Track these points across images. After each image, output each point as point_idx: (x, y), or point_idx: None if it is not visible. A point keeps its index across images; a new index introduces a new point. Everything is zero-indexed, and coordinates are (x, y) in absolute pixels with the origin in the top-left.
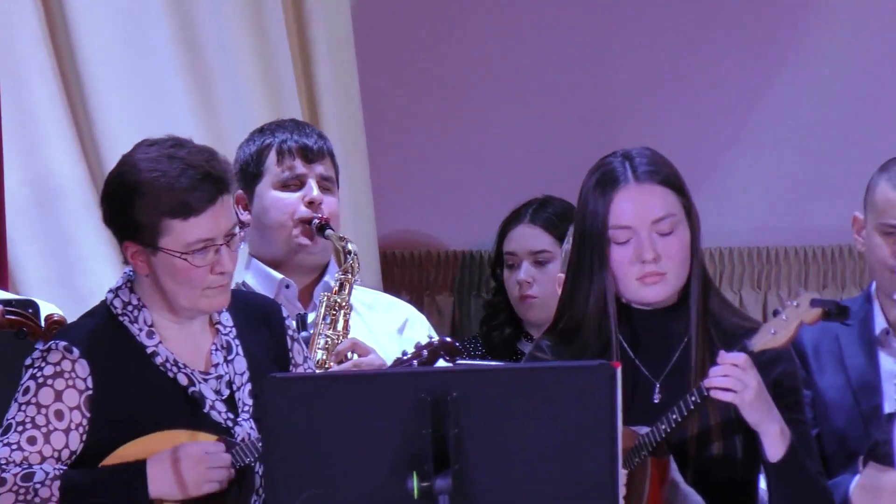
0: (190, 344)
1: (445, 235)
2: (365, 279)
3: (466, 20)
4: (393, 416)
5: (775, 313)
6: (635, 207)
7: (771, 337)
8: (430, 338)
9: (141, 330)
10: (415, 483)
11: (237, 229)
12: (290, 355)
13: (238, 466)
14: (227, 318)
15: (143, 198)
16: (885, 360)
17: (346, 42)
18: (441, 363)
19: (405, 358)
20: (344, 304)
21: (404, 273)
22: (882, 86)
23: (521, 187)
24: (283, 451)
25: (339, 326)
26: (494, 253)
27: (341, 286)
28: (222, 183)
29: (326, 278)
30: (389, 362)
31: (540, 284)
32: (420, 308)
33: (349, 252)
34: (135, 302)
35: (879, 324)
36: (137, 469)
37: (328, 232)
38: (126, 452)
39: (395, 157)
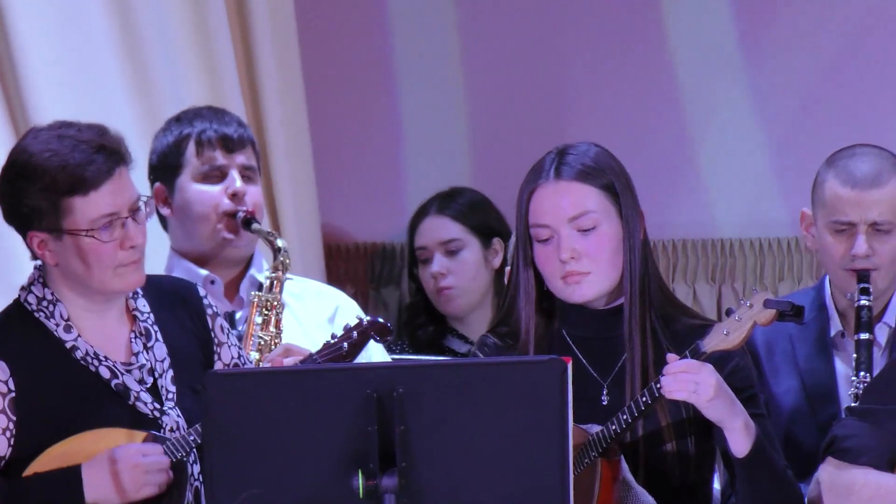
0: (109, 334)
1: (390, 228)
2: (309, 272)
3: (410, 13)
4: (338, 412)
5: (728, 313)
6: (550, 205)
7: (724, 338)
8: (359, 318)
9: (58, 325)
10: (360, 482)
11: (141, 203)
12: (213, 335)
13: (171, 462)
14: (143, 304)
15: (39, 181)
16: (839, 362)
17: (289, 33)
18: (372, 344)
19: (334, 341)
20: (276, 302)
21: (349, 266)
22: (837, 78)
23: (464, 180)
24: (224, 449)
25: (272, 326)
26: (409, 249)
27: (272, 284)
28: (117, 154)
29: (252, 272)
30: None
31: (454, 274)
32: (365, 302)
33: (279, 249)
34: (49, 296)
35: (834, 325)
36: (73, 474)
37: (255, 226)
38: (56, 452)
39: (339, 148)
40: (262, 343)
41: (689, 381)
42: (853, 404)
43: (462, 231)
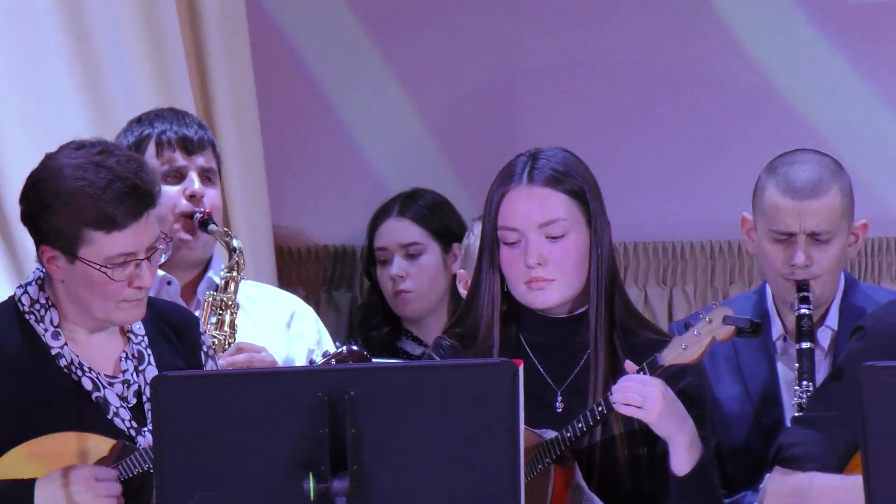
0: (97, 347)
1: (343, 230)
2: (260, 275)
3: (362, 13)
4: (289, 415)
5: (686, 327)
6: (522, 210)
7: (682, 351)
8: (338, 345)
9: (46, 330)
10: (311, 484)
11: (159, 244)
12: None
13: (133, 474)
14: (139, 328)
15: (66, 206)
16: (782, 368)
17: (240, 33)
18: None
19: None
20: (230, 303)
21: (300, 268)
22: (783, 81)
23: (417, 182)
24: (174, 452)
25: (226, 326)
26: (366, 251)
27: (227, 284)
28: (149, 198)
29: (210, 274)
30: (277, 357)
31: (413, 278)
32: (317, 305)
33: (234, 249)
34: (42, 301)
35: (776, 330)
36: (26, 487)
37: (211, 227)
38: (14, 456)
39: (291, 150)
40: (216, 343)
41: (636, 396)
42: (798, 414)
43: (423, 235)
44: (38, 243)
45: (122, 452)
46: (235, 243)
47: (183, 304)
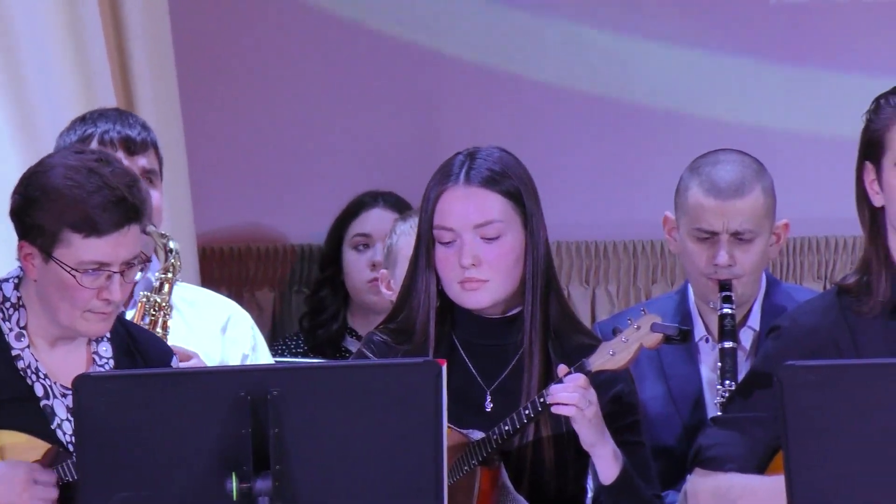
0: (59, 357)
1: (265, 230)
2: (183, 275)
3: (294, 12)
4: (211, 415)
5: (615, 332)
6: (458, 210)
7: (609, 357)
8: None
9: (11, 330)
10: (234, 484)
11: (137, 262)
12: None
13: (64, 482)
14: (105, 350)
15: (51, 203)
16: (704, 368)
17: (163, 33)
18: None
19: None
20: (164, 304)
21: (223, 268)
22: (703, 82)
23: (343, 184)
24: (96, 453)
25: (159, 328)
26: (332, 240)
27: (161, 286)
28: (135, 213)
29: (147, 275)
30: (211, 362)
31: None
32: (240, 304)
33: (171, 250)
34: (14, 300)
35: (698, 331)
36: None
37: (149, 228)
38: None
39: (214, 151)
40: None
41: (582, 398)
42: (717, 414)
43: None
44: (20, 238)
45: (56, 459)
46: (172, 245)
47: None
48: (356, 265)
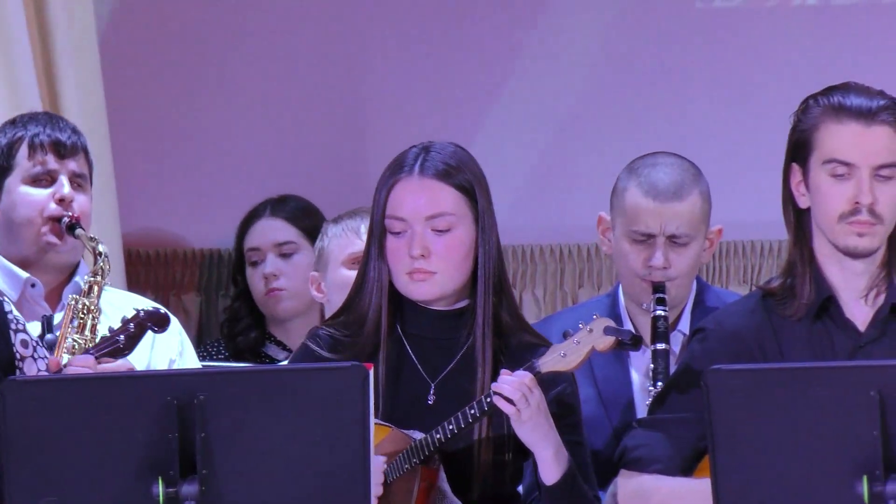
0: None
1: (191, 234)
2: (109, 278)
3: (216, 16)
4: (138, 419)
5: (566, 335)
6: (410, 201)
7: (560, 359)
8: (136, 309)
9: None
10: (160, 489)
11: None
12: (14, 349)
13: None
14: None
15: None
16: (634, 371)
17: (88, 35)
18: (150, 335)
19: (110, 334)
20: (92, 307)
21: (149, 272)
22: (636, 85)
23: (267, 186)
24: (22, 457)
25: (87, 331)
26: (235, 254)
27: (90, 289)
28: None
29: (77, 279)
30: (139, 366)
31: (287, 276)
32: (166, 308)
33: (100, 254)
34: None
35: None
36: None
37: (78, 231)
38: None
39: (140, 154)
40: (76, 347)
41: (522, 396)
42: (642, 416)
43: (296, 234)
44: None
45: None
46: (101, 248)
47: (47, 307)
48: (252, 279)
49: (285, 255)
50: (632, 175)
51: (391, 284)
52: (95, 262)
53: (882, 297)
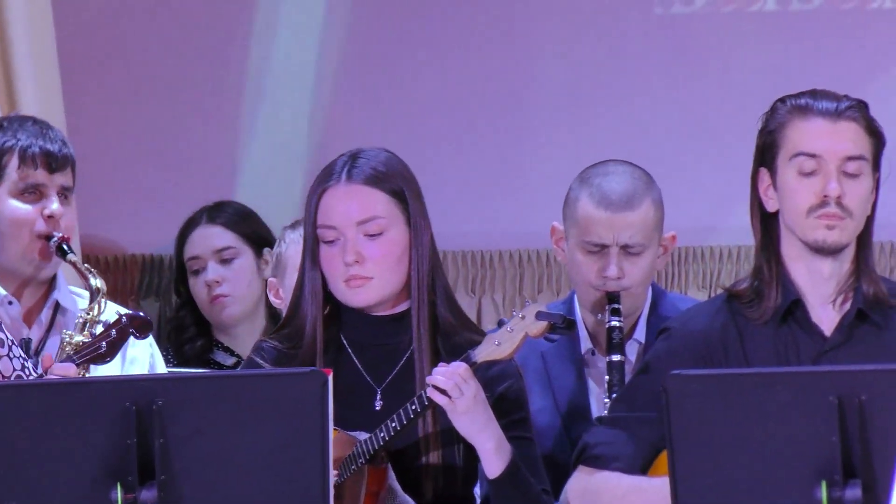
0: None
1: (150, 239)
2: (68, 283)
3: (164, 24)
4: (97, 425)
5: (500, 324)
6: (340, 208)
7: (495, 348)
8: (118, 314)
9: None
10: (119, 494)
11: None
12: None
13: None
14: None
15: None
16: (590, 381)
17: (47, 37)
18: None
19: (91, 340)
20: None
21: (108, 277)
22: (590, 92)
23: (222, 192)
24: None
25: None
26: (176, 264)
27: (84, 325)
28: None
29: (55, 295)
30: (114, 371)
31: (229, 282)
32: None
33: (97, 290)
34: None
35: (584, 343)
36: None
37: (70, 257)
38: None
39: (97, 157)
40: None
41: (455, 385)
42: (603, 413)
43: (235, 239)
44: None
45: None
46: (97, 283)
47: (24, 326)
48: (195, 288)
49: (226, 261)
50: (583, 185)
51: (329, 294)
52: (91, 300)
53: (849, 303)
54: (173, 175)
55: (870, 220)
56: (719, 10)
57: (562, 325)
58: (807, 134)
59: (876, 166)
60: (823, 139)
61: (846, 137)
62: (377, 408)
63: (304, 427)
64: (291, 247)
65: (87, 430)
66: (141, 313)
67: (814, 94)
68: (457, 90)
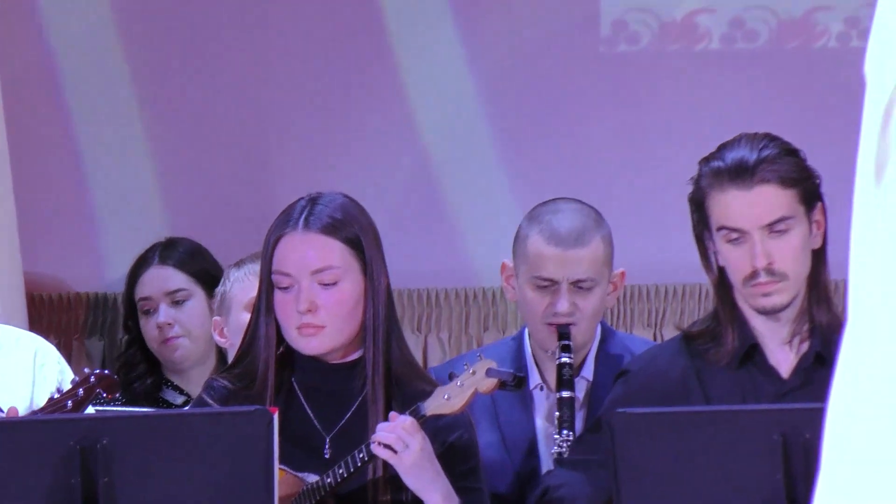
0: None
1: (94, 277)
2: (12, 322)
3: (108, 55)
4: (41, 465)
5: (451, 377)
6: (296, 255)
7: (444, 402)
8: (87, 372)
9: None
10: None
11: None
12: None
13: None
14: None
15: None
16: (539, 417)
17: None
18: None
19: (58, 397)
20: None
21: (52, 316)
22: (534, 126)
23: (170, 230)
24: None
25: None
26: (125, 302)
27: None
28: None
29: None
30: (24, 401)
31: (181, 324)
32: (69, 353)
33: None
34: None
35: (533, 379)
36: None
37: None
38: None
39: (43, 194)
40: None
41: (398, 438)
42: (564, 456)
43: (187, 281)
44: None
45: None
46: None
47: None
48: (145, 328)
49: (177, 303)
50: (533, 222)
51: (281, 339)
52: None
53: (807, 344)
54: (119, 213)
55: (821, 252)
56: (665, 49)
57: (511, 383)
58: (725, 208)
59: (810, 207)
60: (741, 212)
61: (763, 204)
62: (326, 456)
63: (250, 466)
64: (236, 285)
65: (31, 470)
66: (107, 371)
67: (729, 148)
68: (401, 130)
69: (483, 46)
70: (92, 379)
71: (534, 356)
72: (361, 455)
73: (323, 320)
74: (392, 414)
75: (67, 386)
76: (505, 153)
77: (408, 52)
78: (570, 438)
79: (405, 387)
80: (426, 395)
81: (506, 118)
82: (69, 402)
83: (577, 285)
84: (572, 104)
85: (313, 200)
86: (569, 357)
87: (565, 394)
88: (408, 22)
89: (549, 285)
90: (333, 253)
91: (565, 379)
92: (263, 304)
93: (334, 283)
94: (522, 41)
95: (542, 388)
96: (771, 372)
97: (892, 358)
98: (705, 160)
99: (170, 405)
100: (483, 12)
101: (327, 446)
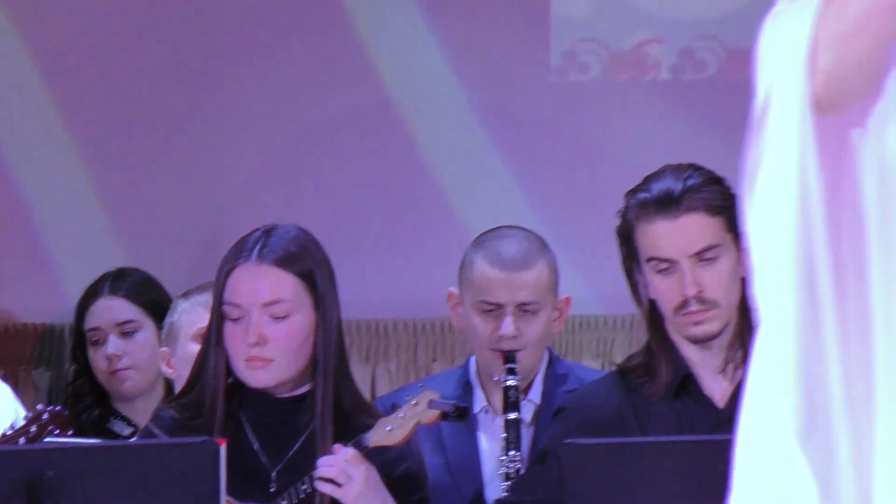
0: None
1: (41, 307)
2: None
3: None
4: None
5: (393, 408)
6: (248, 287)
7: (387, 433)
8: (39, 409)
9: None
10: None
11: None
12: None
13: None
14: None
15: None
16: (483, 439)
17: None
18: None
19: (10, 434)
20: None
21: None
22: (483, 156)
23: (118, 259)
24: None
25: None
26: (74, 333)
27: None
28: None
29: None
30: None
31: (130, 355)
32: (15, 384)
33: None
34: None
35: (479, 402)
36: None
37: None
38: None
39: None
40: None
41: (340, 471)
42: (504, 495)
43: (137, 312)
44: None
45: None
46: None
47: None
48: (94, 359)
49: (127, 334)
50: (478, 248)
51: (230, 370)
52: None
53: (741, 371)
54: (67, 244)
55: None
56: (614, 79)
57: (454, 414)
58: (653, 239)
59: (738, 234)
60: (669, 242)
61: (690, 233)
62: (272, 489)
63: (196, 497)
64: (183, 316)
65: None
66: (59, 407)
67: (655, 179)
68: (350, 159)
69: (434, 74)
70: (44, 416)
71: (480, 382)
72: (304, 487)
73: (271, 353)
74: (336, 446)
75: (21, 422)
76: (453, 184)
77: (359, 86)
78: (517, 458)
79: (352, 421)
80: (368, 428)
81: (455, 148)
82: (21, 438)
83: (522, 308)
84: (522, 134)
85: (268, 232)
86: (515, 379)
87: (511, 416)
88: (364, 56)
89: (494, 309)
90: (286, 286)
91: (511, 401)
92: (213, 335)
93: (285, 317)
94: (471, 71)
95: (487, 411)
96: (706, 402)
97: (758, 365)
98: (631, 192)
99: (117, 436)
100: (435, 41)
101: (273, 479)
